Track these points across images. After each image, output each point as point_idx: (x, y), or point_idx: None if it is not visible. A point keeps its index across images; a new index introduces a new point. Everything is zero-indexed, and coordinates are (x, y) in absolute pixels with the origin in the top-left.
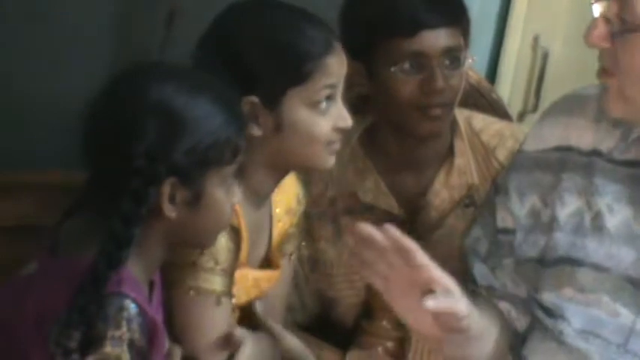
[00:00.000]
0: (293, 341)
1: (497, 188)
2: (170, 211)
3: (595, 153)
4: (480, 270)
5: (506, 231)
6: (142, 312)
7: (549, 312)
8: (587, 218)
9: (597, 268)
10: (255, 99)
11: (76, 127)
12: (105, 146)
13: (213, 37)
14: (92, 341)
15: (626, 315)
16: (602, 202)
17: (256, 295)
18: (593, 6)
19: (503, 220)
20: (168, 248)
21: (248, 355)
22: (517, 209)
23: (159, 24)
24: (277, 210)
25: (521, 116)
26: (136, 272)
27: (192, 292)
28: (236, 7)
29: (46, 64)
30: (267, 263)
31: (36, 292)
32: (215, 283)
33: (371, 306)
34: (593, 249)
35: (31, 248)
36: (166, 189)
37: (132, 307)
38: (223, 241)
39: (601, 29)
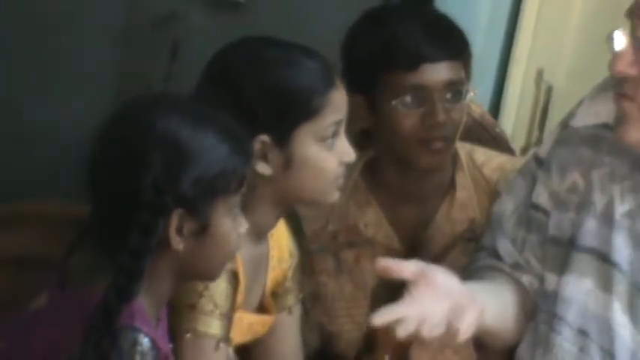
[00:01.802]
0: None
1: (539, 161)
2: (178, 243)
3: None
4: (504, 246)
5: (539, 208)
6: (154, 347)
7: (553, 301)
8: (619, 211)
9: (617, 267)
10: (266, 137)
11: (77, 158)
12: (111, 179)
13: (215, 77)
14: None
15: (628, 330)
16: (636, 201)
17: (250, 338)
18: (615, 37)
19: (538, 196)
20: (175, 281)
21: None
22: (557, 185)
23: (162, 56)
24: (272, 252)
25: (524, 150)
26: (144, 305)
27: (189, 335)
28: (235, 44)
29: (48, 95)
30: (262, 308)
31: (45, 326)
32: (214, 327)
33: (372, 340)
34: (618, 249)
35: (32, 281)
36: (174, 220)
37: (145, 342)
38: (223, 285)
39: (628, 57)
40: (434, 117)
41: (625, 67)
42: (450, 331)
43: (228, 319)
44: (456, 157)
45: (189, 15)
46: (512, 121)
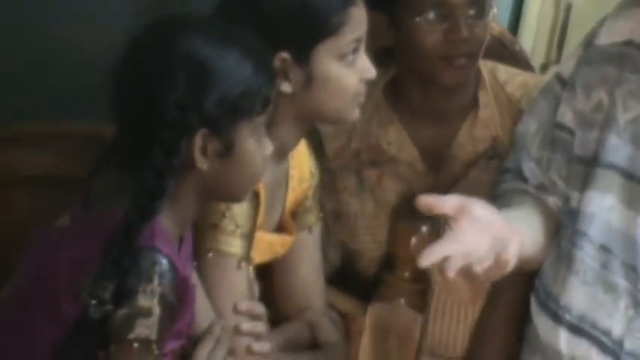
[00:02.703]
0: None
1: (563, 81)
2: (202, 162)
3: None
4: (530, 168)
5: (563, 127)
6: (173, 268)
7: (575, 217)
8: None
9: None
10: (286, 55)
11: (100, 78)
12: (135, 99)
13: None
14: (124, 293)
15: None
16: None
17: (270, 257)
18: None
19: (562, 115)
20: (201, 203)
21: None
22: (582, 104)
23: None
24: (293, 172)
25: (544, 68)
26: (167, 226)
27: (211, 254)
28: None
29: (68, 13)
30: (281, 228)
31: (69, 243)
32: (235, 246)
33: (392, 258)
34: None
35: (57, 200)
36: (198, 140)
37: (164, 262)
38: (245, 206)
39: None
40: (457, 33)
41: None
42: (499, 263)
43: (249, 239)
44: (478, 74)
45: None
46: (532, 39)
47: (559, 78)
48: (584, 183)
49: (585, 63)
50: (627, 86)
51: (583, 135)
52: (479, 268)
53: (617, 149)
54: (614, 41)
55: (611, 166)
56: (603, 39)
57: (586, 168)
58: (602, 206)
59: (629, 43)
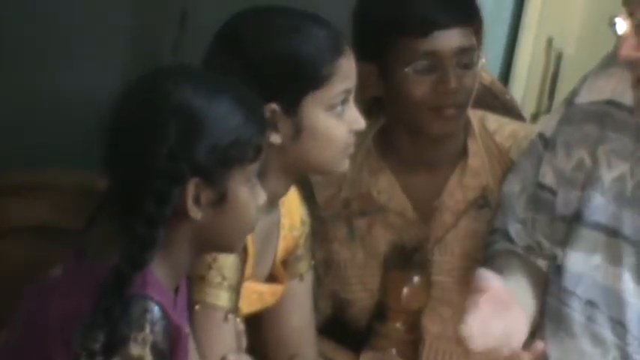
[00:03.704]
0: None
1: (545, 141)
2: (195, 212)
3: None
4: (516, 230)
5: (545, 188)
6: (165, 316)
7: (562, 275)
8: (629, 186)
9: (628, 240)
10: (275, 106)
11: (92, 128)
12: (127, 149)
13: (225, 46)
14: (115, 343)
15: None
16: None
17: (260, 307)
18: (617, 22)
19: (544, 175)
20: (194, 253)
21: None
22: (563, 163)
23: (171, 25)
24: (283, 221)
25: (535, 118)
26: (161, 276)
27: (198, 307)
28: (244, 13)
29: (58, 62)
30: (272, 277)
31: (61, 294)
32: (222, 298)
33: (384, 307)
34: (629, 222)
35: (50, 251)
36: (191, 189)
37: (155, 310)
38: (231, 257)
39: (632, 40)
40: (446, 83)
41: (630, 51)
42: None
43: (236, 290)
44: (468, 124)
45: None
46: (523, 89)
47: (541, 137)
48: (569, 242)
49: (566, 122)
50: (610, 145)
51: (565, 194)
52: (505, 351)
53: (601, 207)
54: (595, 100)
55: (596, 225)
56: (584, 98)
57: (570, 226)
58: (588, 265)
59: (610, 103)
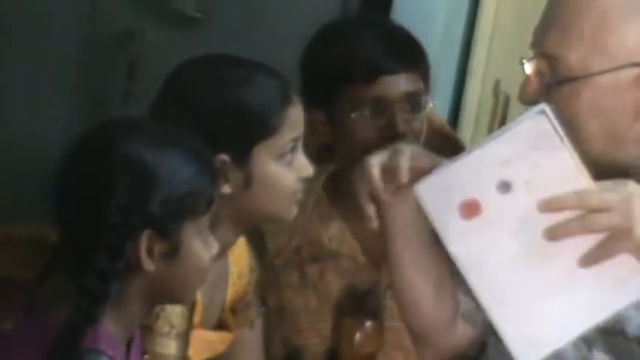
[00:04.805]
0: None
1: None
2: (149, 264)
3: None
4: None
5: None
6: None
7: None
8: None
9: None
10: (225, 157)
11: (42, 182)
12: (77, 203)
13: (173, 96)
14: None
15: None
16: None
17: (210, 355)
18: (525, 65)
19: None
20: (148, 305)
21: None
22: None
23: (120, 74)
24: (232, 268)
25: None
26: (113, 329)
27: (146, 357)
28: (192, 63)
29: (7, 115)
30: (221, 325)
31: (11, 350)
32: (170, 347)
33: (337, 353)
34: None
35: (2, 305)
36: (143, 242)
37: None
38: (178, 306)
39: (535, 85)
40: (394, 128)
41: (533, 96)
42: None
43: (185, 339)
44: None
45: (147, 32)
46: (471, 132)
47: None
48: None
49: None
50: None
51: None
52: None
53: None
54: None
55: None
56: None
57: None
58: None
59: None
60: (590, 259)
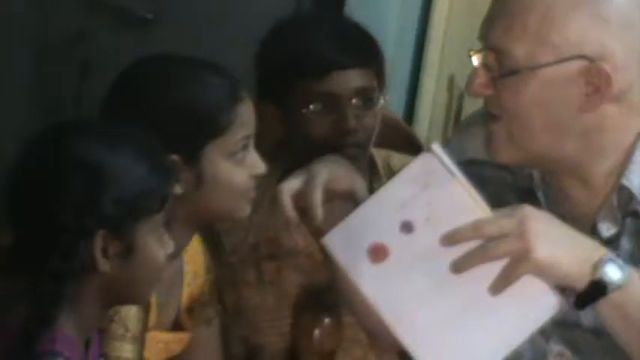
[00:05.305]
0: None
1: None
2: (104, 264)
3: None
4: None
5: None
6: None
7: None
8: None
9: None
10: (175, 157)
11: None
12: (30, 205)
13: (123, 97)
14: None
15: None
16: None
17: (167, 357)
18: (472, 57)
19: None
20: (104, 305)
21: None
22: None
23: (72, 76)
24: (187, 268)
25: None
26: (70, 330)
27: None
28: (141, 63)
29: None
30: (177, 325)
31: None
32: (126, 350)
33: (297, 351)
34: None
35: None
36: (98, 242)
37: None
38: (134, 309)
39: (482, 78)
40: (344, 124)
41: (480, 89)
42: None
43: (140, 341)
44: (372, 163)
45: (98, 34)
46: (427, 127)
47: None
48: None
49: None
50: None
51: None
52: None
53: None
54: (459, 161)
55: None
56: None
57: None
58: None
59: (471, 162)
60: (498, 286)
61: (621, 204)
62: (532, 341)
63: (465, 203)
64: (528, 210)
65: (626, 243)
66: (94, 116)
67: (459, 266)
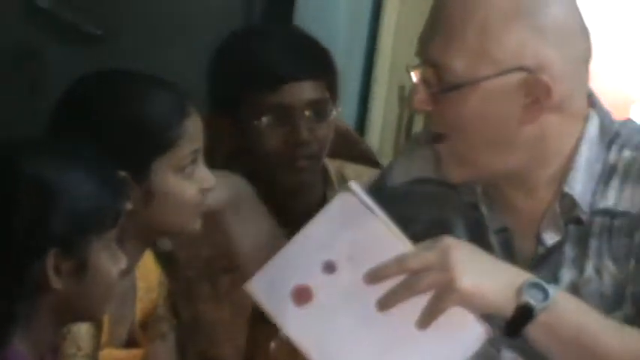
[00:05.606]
0: None
1: None
2: (57, 282)
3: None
4: None
5: None
6: None
7: None
8: None
9: None
10: (123, 174)
11: None
12: None
13: (70, 112)
14: None
15: None
16: None
17: None
18: (411, 73)
19: None
20: (58, 324)
21: None
22: None
23: (21, 94)
24: (139, 284)
25: None
26: (24, 349)
27: None
28: (88, 78)
29: None
30: (131, 342)
31: None
32: None
33: None
34: None
35: None
36: (50, 261)
37: None
38: (85, 326)
39: (421, 94)
40: (296, 136)
41: (420, 105)
42: None
43: (93, 359)
44: (325, 174)
45: (47, 51)
46: (379, 137)
47: None
48: None
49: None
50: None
51: None
52: None
53: None
54: (403, 181)
55: None
56: (395, 179)
57: None
58: None
59: (417, 181)
60: (425, 320)
61: (564, 211)
62: (483, 350)
63: (387, 239)
64: (450, 240)
65: (569, 250)
66: (44, 135)
67: (384, 303)
